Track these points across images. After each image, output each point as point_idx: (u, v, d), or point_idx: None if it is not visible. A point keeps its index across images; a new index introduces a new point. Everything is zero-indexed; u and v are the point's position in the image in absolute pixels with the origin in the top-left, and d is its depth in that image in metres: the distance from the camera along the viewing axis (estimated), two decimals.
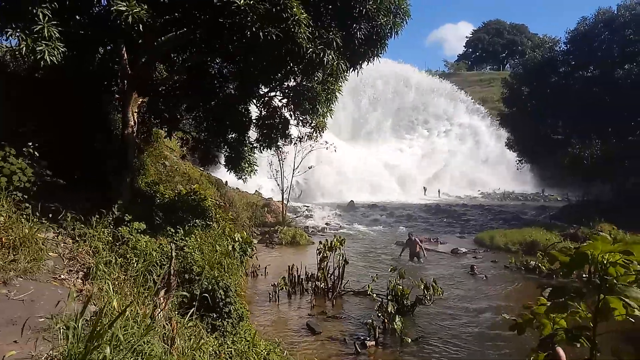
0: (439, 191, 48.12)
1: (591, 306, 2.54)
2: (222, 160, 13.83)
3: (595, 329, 2.54)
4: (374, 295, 12.46)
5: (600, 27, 31.43)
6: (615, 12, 31.26)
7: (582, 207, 29.73)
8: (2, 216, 6.04)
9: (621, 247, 2.38)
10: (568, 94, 30.83)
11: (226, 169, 13.30)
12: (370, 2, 9.08)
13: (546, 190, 48.53)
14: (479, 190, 51.41)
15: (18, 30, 6.88)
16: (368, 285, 12.95)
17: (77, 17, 9.05)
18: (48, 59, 6.94)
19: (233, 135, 12.72)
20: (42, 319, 4.33)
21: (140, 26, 7.55)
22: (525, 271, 17.48)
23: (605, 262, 2.48)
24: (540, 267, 17.18)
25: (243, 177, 13.04)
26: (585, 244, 2.59)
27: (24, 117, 9.14)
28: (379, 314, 10.95)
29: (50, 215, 7.16)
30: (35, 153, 7.85)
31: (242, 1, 7.59)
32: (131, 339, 3.92)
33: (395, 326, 10.34)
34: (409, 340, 10.14)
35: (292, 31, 7.92)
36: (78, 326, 3.59)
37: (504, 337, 10.55)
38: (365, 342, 9.97)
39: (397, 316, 10.64)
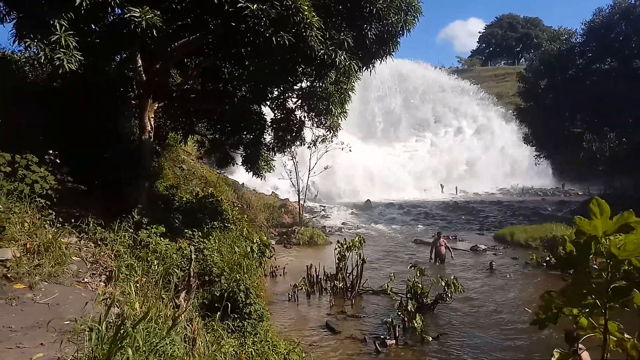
0: (456, 188, 47.64)
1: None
2: (239, 161, 13.93)
3: (606, 314, 2.51)
4: (393, 294, 12.43)
5: (617, 18, 30.74)
6: (633, 1, 30.58)
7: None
8: (27, 222, 6.20)
9: (621, 221, 2.35)
10: (585, 86, 30.25)
11: (244, 168, 13.38)
12: (381, 1, 9.05)
13: (566, 185, 47.65)
14: (497, 187, 50.75)
15: (36, 40, 7.06)
16: (387, 284, 12.92)
17: (93, 26, 9.23)
18: (67, 67, 7.10)
19: (249, 136, 12.82)
20: (67, 322, 4.44)
21: (154, 32, 7.67)
22: (547, 267, 17.21)
23: (609, 249, 2.43)
24: None
25: (261, 175, 13.09)
26: (582, 219, 2.55)
27: (44, 125, 9.36)
28: (399, 313, 10.92)
29: (73, 221, 7.32)
30: (57, 160, 8.02)
31: (254, 6, 7.66)
32: (153, 340, 3.99)
33: (416, 324, 10.28)
34: (430, 338, 10.08)
35: (304, 34, 7.96)
36: (102, 329, 3.67)
37: (526, 334, 10.43)
38: (386, 340, 9.95)
39: (417, 314, 10.59)
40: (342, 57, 8.89)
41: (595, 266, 2.60)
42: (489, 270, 16.86)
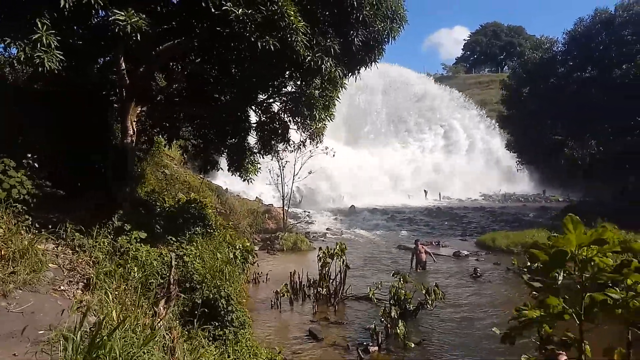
0: (439, 194, 48.01)
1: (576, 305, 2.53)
2: (223, 165, 13.80)
3: (582, 327, 2.52)
4: (377, 300, 12.44)
5: (598, 28, 31.44)
6: (613, 12, 31.29)
7: (583, 207, 29.59)
8: (2, 228, 6.05)
9: (595, 236, 2.37)
10: (566, 94, 30.81)
11: (230, 172, 13.24)
12: (367, 9, 9.09)
13: (547, 191, 48.40)
14: (479, 193, 51.26)
15: (17, 39, 6.92)
16: (370, 290, 12.92)
17: (76, 27, 9.08)
18: (47, 66, 6.96)
19: (233, 141, 12.72)
20: (42, 331, 4.32)
21: (139, 36, 7.58)
22: (528, 273, 17.39)
23: (582, 258, 2.46)
24: None
25: (247, 177, 12.95)
26: (556, 236, 2.57)
27: (23, 128, 9.17)
28: (382, 319, 10.92)
29: (50, 227, 7.16)
30: (35, 164, 7.85)
31: (239, 11, 7.62)
32: (130, 349, 3.91)
33: (399, 331, 10.30)
34: (412, 344, 10.10)
35: (290, 39, 7.94)
36: (77, 338, 3.58)
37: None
38: (369, 347, 9.94)
39: (400, 321, 10.61)
40: (329, 63, 8.90)
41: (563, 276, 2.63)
42: (473, 276, 16.97)
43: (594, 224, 23.32)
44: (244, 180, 13.29)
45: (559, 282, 2.59)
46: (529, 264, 15.45)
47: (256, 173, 13.21)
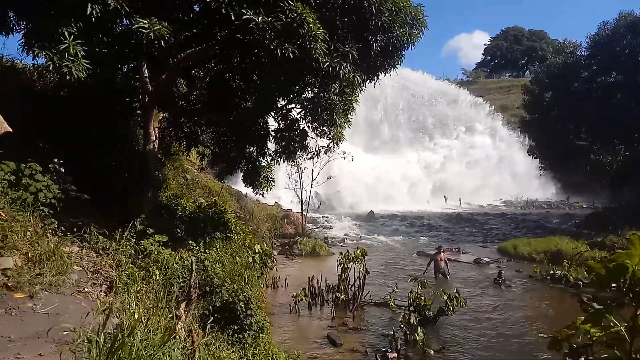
0: (460, 200, 47.46)
1: (629, 319, 2.46)
2: (240, 176, 13.96)
3: (632, 342, 2.45)
4: (395, 306, 12.35)
5: (623, 31, 30.77)
6: (638, 15, 30.61)
7: (609, 214, 28.90)
8: (29, 231, 6.22)
9: None
10: (591, 99, 30.22)
11: (244, 185, 13.42)
12: (386, 14, 9.11)
13: (571, 197, 47.39)
14: (501, 199, 50.51)
15: (45, 49, 7.15)
16: (389, 296, 12.84)
17: (101, 35, 9.34)
18: (75, 74, 7.18)
19: (252, 149, 12.84)
20: (66, 332, 4.43)
21: (162, 43, 7.75)
22: (551, 281, 17.06)
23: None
24: (567, 277, 16.76)
25: (260, 192, 13.12)
26: (619, 252, 2.50)
27: (50, 134, 9.43)
28: (401, 325, 10.83)
29: (75, 230, 7.33)
30: (61, 169, 8.07)
31: (259, 19, 7.74)
32: (151, 351, 3.97)
33: (417, 337, 10.20)
34: (432, 351, 9.98)
35: (309, 46, 8.01)
36: (100, 339, 3.66)
37: (529, 348, 10.32)
38: (387, 353, 9.85)
39: (419, 327, 10.51)
40: (347, 69, 8.93)
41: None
42: (497, 281, 16.62)
43: (620, 231, 22.70)
44: (257, 194, 13.44)
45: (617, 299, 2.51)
46: (552, 272, 15.17)
47: (269, 189, 13.33)
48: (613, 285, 2.53)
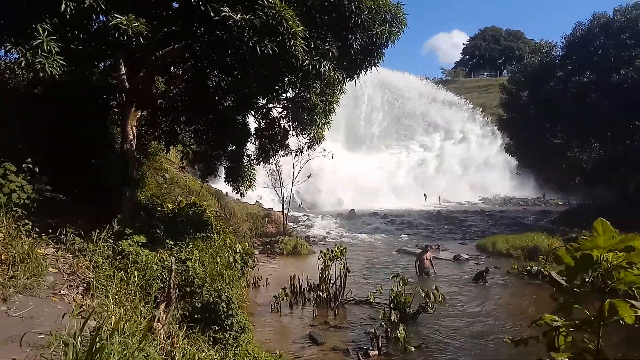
0: (439, 198, 48.01)
1: (596, 310, 2.52)
2: (222, 173, 13.84)
3: (599, 332, 2.51)
4: (377, 304, 12.42)
5: (596, 32, 31.50)
6: (612, 16, 31.37)
7: (583, 211, 29.62)
8: (2, 233, 6.06)
9: (624, 242, 2.36)
10: (566, 98, 30.87)
11: (225, 182, 13.30)
12: (366, 12, 9.13)
13: (547, 194, 48.43)
14: (479, 196, 51.31)
15: (18, 45, 6.96)
16: (370, 294, 12.91)
17: (77, 32, 9.13)
18: (48, 71, 7.01)
19: (232, 148, 12.74)
20: (42, 336, 4.32)
21: (140, 39, 7.62)
22: (528, 276, 17.39)
23: (608, 264, 2.46)
24: (543, 272, 17.10)
25: (241, 190, 13.03)
26: (583, 239, 2.56)
27: (24, 132, 9.19)
28: (382, 323, 10.89)
29: (50, 231, 7.17)
30: (35, 169, 7.87)
31: (238, 16, 7.67)
32: (129, 353, 3.91)
33: (399, 335, 10.28)
34: (412, 348, 10.07)
35: (288, 44, 7.98)
36: (77, 343, 3.58)
37: (507, 344, 10.48)
38: (369, 351, 9.91)
39: (400, 324, 10.59)
40: (327, 67, 8.93)
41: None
42: (484, 278, 16.80)
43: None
44: (237, 192, 13.33)
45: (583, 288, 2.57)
46: (528, 267, 15.50)
47: (250, 187, 13.24)
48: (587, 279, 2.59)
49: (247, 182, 12.91)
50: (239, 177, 12.81)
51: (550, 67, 33.28)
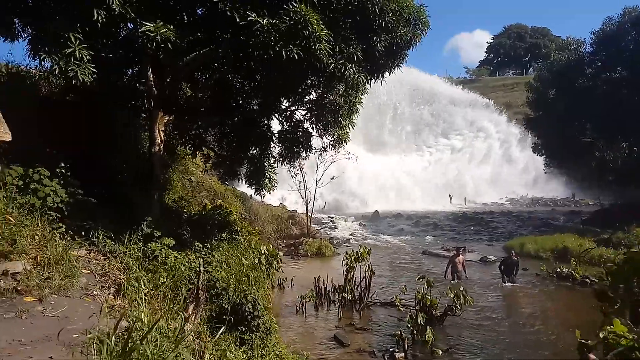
0: (465, 199, 47.34)
1: None
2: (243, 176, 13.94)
3: None
4: (402, 306, 12.34)
5: (627, 27, 30.55)
6: None
7: (615, 211, 28.76)
8: (37, 235, 6.25)
9: None
10: (595, 96, 30.05)
11: (246, 184, 13.40)
12: (390, 15, 9.10)
13: (577, 194, 47.19)
14: (506, 197, 50.37)
15: (51, 53, 7.20)
16: (395, 296, 12.83)
17: (106, 40, 9.39)
18: (80, 78, 7.24)
19: (255, 151, 12.84)
20: (76, 335, 4.45)
21: (168, 46, 7.79)
22: (558, 279, 17.01)
23: None
24: (574, 275, 16.69)
25: (262, 192, 13.08)
26: (635, 250, 2.50)
27: (57, 138, 9.47)
28: (408, 325, 10.81)
29: (83, 233, 7.36)
30: (68, 173, 8.11)
31: (264, 21, 7.76)
32: (161, 353, 3.99)
33: (427, 338, 10.19)
34: (440, 351, 9.97)
35: (313, 47, 8.02)
36: (111, 342, 3.68)
37: (536, 345, 10.28)
38: (395, 353, 9.85)
39: (427, 327, 10.49)
40: (352, 69, 8.94)
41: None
42: (513, 272, 16.48)
43: (627, 228, 22.53)
44: (257, 194, 13.39)
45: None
46: (558, 270, 15.11)
47: (272, 190, 13.28)
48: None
49: (269, 184, 12.98)
50: (260, 179, 12.90)
51: (579, 64, 32.44)
